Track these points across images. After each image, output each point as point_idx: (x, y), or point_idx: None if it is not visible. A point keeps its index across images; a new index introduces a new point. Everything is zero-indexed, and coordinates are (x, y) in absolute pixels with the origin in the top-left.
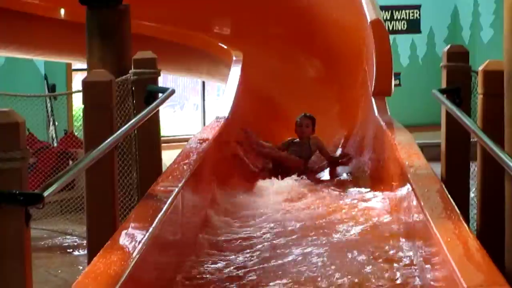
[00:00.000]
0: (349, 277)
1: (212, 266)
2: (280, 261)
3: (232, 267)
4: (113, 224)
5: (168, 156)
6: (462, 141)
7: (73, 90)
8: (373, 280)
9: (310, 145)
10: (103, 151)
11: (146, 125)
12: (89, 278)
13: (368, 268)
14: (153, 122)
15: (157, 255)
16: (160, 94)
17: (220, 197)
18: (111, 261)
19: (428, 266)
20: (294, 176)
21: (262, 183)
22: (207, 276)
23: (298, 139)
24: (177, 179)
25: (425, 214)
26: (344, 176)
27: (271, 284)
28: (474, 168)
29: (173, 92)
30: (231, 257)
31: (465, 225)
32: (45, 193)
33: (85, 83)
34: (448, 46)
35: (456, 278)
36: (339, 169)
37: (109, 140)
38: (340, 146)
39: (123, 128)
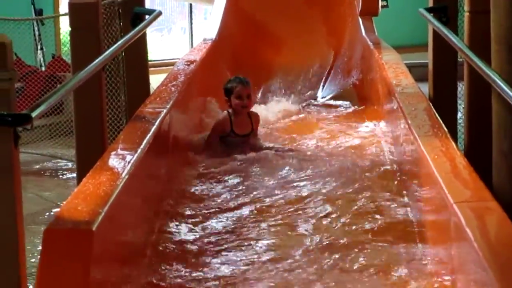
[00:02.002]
0: (341, 187)
1: (201, 186)
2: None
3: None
4: (102, 145)
5: (156, 80)
6: (449, 60)
7: (60, 14)
8: (362, 192)
9: (252, 123)
10: (91, 72)
11: (133, 47)
12: (78, 198)
13: (358, 184)
14: (140, 44)
15: (145, 176)
16: (147, 16)
17: (207, 117)
18: (100, 181)
19: (415, 183)
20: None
21: None
22: (198, 192)
23: (233, 115)
24: (165, 101)
25: (412, 132)
26: (332, 96)
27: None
28: (462, 87)
29: (160, 13)
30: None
31: (453, 142)
32: (33, 114)
33: (71, 4)
34: None
35: (443, 194)
36: (326, 89)
37: (96, 61)
38: (327, 67)
39: (110, 50)
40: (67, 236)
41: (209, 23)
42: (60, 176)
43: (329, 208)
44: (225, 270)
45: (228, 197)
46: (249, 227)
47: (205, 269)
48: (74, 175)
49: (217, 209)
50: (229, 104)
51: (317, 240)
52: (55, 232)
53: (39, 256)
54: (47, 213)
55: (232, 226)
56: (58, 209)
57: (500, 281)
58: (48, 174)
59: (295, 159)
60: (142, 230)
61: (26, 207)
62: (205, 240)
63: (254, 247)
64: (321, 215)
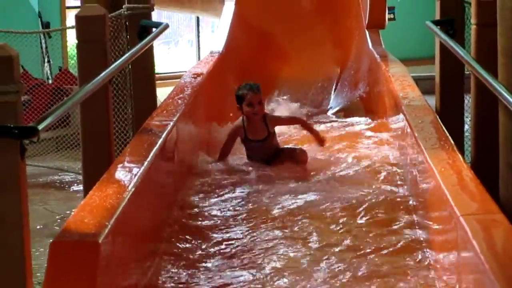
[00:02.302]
0: (339, 195)
1: (207, 200)
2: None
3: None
4: (108, 158)
5: (163, 93)
6: (456, 73)
7: (67, 27)
8: (367, 204)
9: (268, 125)
10: (97, 85)
11: (140, 60)
12: (85, 211)
13: (363, 196)
14: (147, 57)
15: (152, 188)
16: (154, 29)
17: (214, 130)
18: (107, 194)
19: (422, 195)
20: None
21: None
22: (203, 206)
23: (246, 121)
24: (172, 113)
25: (419, 145)
26: (339, 109)
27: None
28: (468, 100)
29: (166, 26)
30: (225, 190)
31: (459, 155)
32: (40, 126)
33: (78, 17)
34: None
35: (450, 207)
36: (333, 102)
37: (103, 74)
38: (334, 79)
39: (117, 62)
40: (74, 249)
41: (216, 36)
42: (67, 189)
43: (335, 220)
44: (231, 276)
45: (232, 209)
46: (253, 237)
47: (210, 274)
48: (81, 187)
49: (222, 221)
50: (241, 111)
51: (323, 254)
52: (62, 244)
53: (45, 268)
54: (54, 226)
55: (236, 237)
56: (64, 222)
57: None
58: (55, 187)
59: (300, 175)
60: (149, 242)
61: (32, 219)
62: (211, 249)
63: (260, 256)
64: (330, 227)
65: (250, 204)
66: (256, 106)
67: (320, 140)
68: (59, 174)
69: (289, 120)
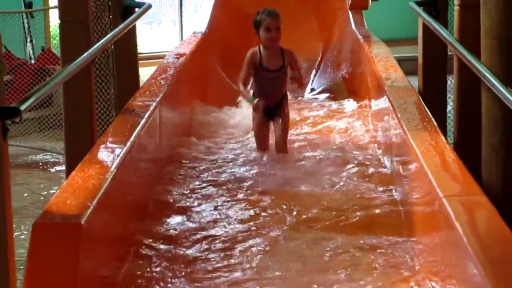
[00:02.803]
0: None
1: (189, 182)
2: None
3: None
4: (91, 139)
5: (146, 73)
6: (439, 54)
7: (50, 6)
8: (352, 184)
9: (284, 56)
10: (80, 65)
11: (123, 41)
12: (67, 192)
13: (347, 177)
14: (130, 37)
15: (135, 169)
16: (136, 9)
17: (198, 111)
18: (89, 175)
19: (405, 176)
20: None
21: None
22: (185, 187)
23: (263, 49)
24: (155, 94)
25: (402, 126)
26: (322, 89)
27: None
28: (451, 81)
29: (149, 6)
30: (208, 173)
31: (442, 136)
32: (22, 107)
33: None
34: None
35: (433, 188)
36: (316, 83)
37: (85, 54)
38: (318, 60)
39: (99, 43)
40: (56, 230)
41: (199, 16)
42: (49, 169)
43: (321, 201)
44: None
45: (212, 189)
46: (233, 215)
47: (189, 252)
48: (63, 168)
49: (202, 200)
50: (258, 37)
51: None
52: (44, 225)
53: (28, 249)
54: (36, 207)
55: (214, 217)
56: (47, 203)
57: (489, 275)
58: (37, 167)
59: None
60: (131, 223)
61: (14, 200)
62: (191, 226)
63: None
64: (315, 206)
65: (231, 185)
66: (273, 32)
67: (300, 83)
68: (42, 154)
69: (296, 66)
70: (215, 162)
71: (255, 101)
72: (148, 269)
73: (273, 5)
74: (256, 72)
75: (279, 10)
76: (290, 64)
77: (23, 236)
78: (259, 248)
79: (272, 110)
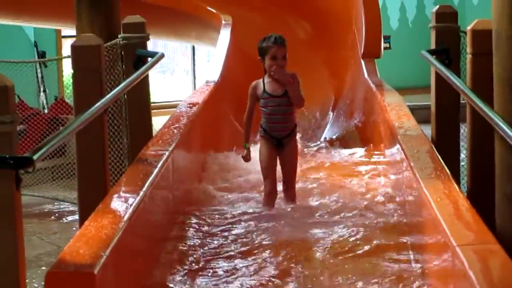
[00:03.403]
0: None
1: (202, 232)
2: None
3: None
4: (104, 188)
5: (159, 122)
6: (452, 102)
7: (63, 56)
8: (361, 232)
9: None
10: (93, 114)
11: (135, 90)
12: (80, 241)
13: (361, 227)
14: (143, 86)
15: (148, 219)
16: (149, 59)
17: (211, 159)
18: (102, 224)
19: (418, 225)
20: None
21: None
22: (199, 236)
23: (266, 78)
24: (167, 143)
25: (415, 174)
26: (335, 138)
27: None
28: (464, 129)
29: (162, 56)
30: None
31: (455, 185)
32: (35, 156)
33: (74, 47)
34: (437, 7)
35: (446, 238)
36: (329, 131)
37: (98, 104)
38: (330, 109)
39: (112, 92)
40: (69, 279)
41: (212, 65)
42: (63, 219)
43: (334, 249)
44: None
45: (229, 241)
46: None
47: None
48: (77, 217)
49: (216, 251)
50: (262, 65)
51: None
52: (57, 274)
53: None
54: (50, 256)
55: (228, 268)
56: (60, 252)
57: None
58: (50, 216)
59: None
60: (145, 273)
61: (28, 249)
62: (202, 280)
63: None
64: (328, 253)
65: (247, 238)
66: (279, 60)
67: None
68: (55, 203)
69: (297, 89)
70: (226, 212)
71: (245, 152)
72: None
73: None
74: (263, 101)
75: (291, 58)
76: (295, 90)
77: (36, 284)
78: None
79: (280, 142)
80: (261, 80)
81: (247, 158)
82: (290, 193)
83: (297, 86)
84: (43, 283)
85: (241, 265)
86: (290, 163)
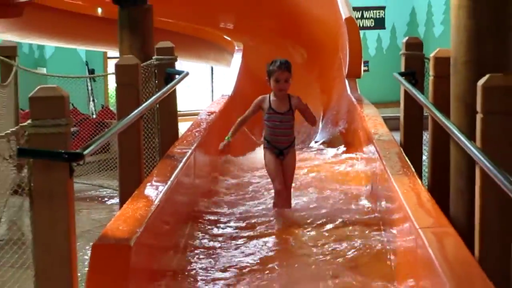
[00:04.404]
0: (325, 212)
1: (216, 214)
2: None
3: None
4: (139, 178)
5: (183, 127)
6: (417, 114)
7: (109, 73)
8: (342, 219)
9: (291, 103)
10: (131, 120)
11: (165, 100)
12: (119, 220)
13: (341, 210)
14: (171, 98)
15: (173, 203)
16: (177, 76)
17: (225, 157)
18: (137, 207)
19: (388, 213)
20: None
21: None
22: (214, 218)
23: (272, 95)
24: (190, 143)
25: (386, 171)
26: (323, 141)
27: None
28: (426, 136)
29: (187, 74)
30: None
31: (418, 180)
32: (85, 152)
33: (117, 66)
34: (406, 38)
35: (410, 221)
36: (319, 136)
37: (136, 111)
38: (320, 118)
39: (147, 102)
40: (110, 250)
41: (226, 82)
42: (106, 202)
43: (316, 229)
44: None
45: (232, 225)
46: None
47: (223, 265)
48: (117, 201)
49: (226, 228)
50: (268, 83)
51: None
52: (101, 246)
53: (89, 264)
54: (95, 232)
55: (236, 243)
56: (103, 229)
57: None
58: (96, 200)
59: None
60: (170, 245)
61: (78, 226)
62: (218, 248)
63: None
64: (311, 232)
65: (251, 218)
66: (281, 83)
67: (311, 120)
68: (100, 190)
69: (306, 111)
70: (235, 195)
71: (225, 142)
72: (190, 278)
73: None
74: (267, 116)
75: None
76: (297, 107)
77: (86, 257)
78: None
79: (282, 152)
80: (267, 96)
81: (224, 149)
82: (287, 195)
83: (307, 109)
84: (89, 253)
85: (243, 241)
86: (290, 169)
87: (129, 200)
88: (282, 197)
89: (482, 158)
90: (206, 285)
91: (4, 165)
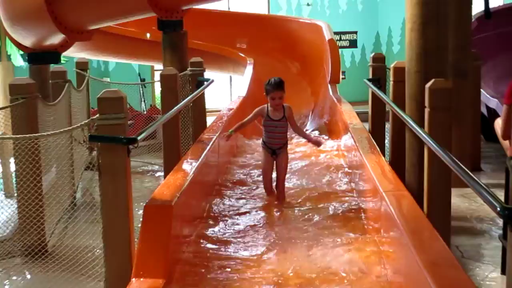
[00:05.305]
0: (311, 181)
1: (236, 176)
2: None
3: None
4: (178, 157)
5: (210, 120)
6: (381, 109)
7: (155, 80)
8: (324, 186)
9: (284, 112)
10: (171, 114)
11: (197, 100)
12: (164, 187)
13: (322, 179)
14: (201, 99)
15: (203, 176)
16: (205, 82)
17: (240, 142)
18: (177, 178)
19: (360, 181)
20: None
21: None
22: (232, 183)
23: (269, 106)
24: (215, 132)
25: (359, 150)
26: (313, 129)
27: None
28: (388, 125)
29: (212, 81)
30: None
31: (382, 157)
32: (138, 138)
33: (161, 75)
34: (373, 54)
35: (377, 187)
36: (309, 125)
37: (175, 108)
38: (310, 112)
39: (183, 102)
40: (157, 209)
41: (241, 86)
42: (154, 175)
43: (302, 195)
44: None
45: (246, 191)
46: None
47: (235, 221)
48: (162, 174)
49: (242, 195)
50: (266, 97)
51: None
52: (151, 207)
53: (141, 221)
54: (147, 196)
55: (249, 206)
56: (152, 194)
57: (409, 235)
58: (147, 174)
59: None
60: (201, 204)
61: (134, 192)
62: (235, 206)
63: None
64: (298, 197)
65: (255, 189)
66: (276, 100)
67: (315, 142)
68: (150, 166)
69: (295, 124)
70: (245, 167)
71: (228, 133)
72: (212, 229)
73: (285, 80)
74: (265, 122)
75: (288, 82)
76: (288, 117)
77: (139, 212)
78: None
79: (275, 151)
80: (265, 106)
81: (226, 138)
82: (280, 189)
83: (292, 117)
84: (142, 211)
85: (251, 202)
86: (282, 166)
87: (170, 173)
88: (269, 189)
89: (429, 140)
90: (222, 238)
91: (80, 147)
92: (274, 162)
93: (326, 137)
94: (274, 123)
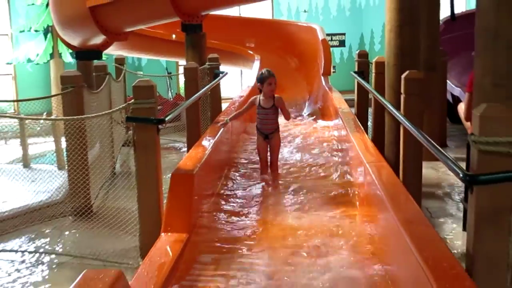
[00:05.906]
0: (307, 154)
1: (246, 154)
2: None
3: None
4: (198, 136)
5: (224, 105)
6: (364, 96)
7: (179, 73)
8: (318, 158)
9: (274, 101)
10: (193, 100)
11: (214, 89)
12: (187, 159)
13: (316, 152)
14: (217, 88)
15: (219, 150)
16: (220, 74)
17: (248, 124)
18: (197, 152)
19: (347, 152)
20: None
21: None
22: (244, 156)
23: (262, 96)
24: (228, 114)
25: (347, 130)
26: (308, 113)
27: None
28: (370, 109)
29: (226, 73)
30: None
31: (366, 135)
32: (166, 119)
33: (185, 68)
34: (358, 51)
35: (361, 158)
36: (306, 110)
37: (196, 95)
38: (306, 99)
39: (202, 90)
40: (182, 177)
41: (250, 78)
42: (179, 150)
43: (298, 164)
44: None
45: (249, 165)
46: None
47: (244, 186)
48: (185, 149)
49: (245, 165)
50: (259, 90)
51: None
52: (176, 175)
53: (168, 189)
54: (173, 167)
55: (256, 183)
56: (177, 165)
57: (388, 198)
58: (173, 149)
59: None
60: (217, 174)
61: (163, 164)
62: (244, 174)
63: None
64: (293, 169)
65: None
66: (272, 85)
67: (286, 117)
68: (175, 143)
69: (283, 108)
70: (253, 143)
71: (224, 122)
72: (225, 197)
73: (281, 72)
74: (257, 110)
75: (285, 75)
76: (278, 105)
77: (167, 178)
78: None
79: (267, 136)
80: (258, 96)
81: (223, 126)
82: (274, 168)
83: (284, 107)
84: (169, 179)
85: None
86: (274, 149)
87: (192, 148)
88: (265, 169)
89: (404, 121)
90: (233, 201)
91: (118, 127)
92: (268, 145)
93: (320, 120)
94: (265, 110)
